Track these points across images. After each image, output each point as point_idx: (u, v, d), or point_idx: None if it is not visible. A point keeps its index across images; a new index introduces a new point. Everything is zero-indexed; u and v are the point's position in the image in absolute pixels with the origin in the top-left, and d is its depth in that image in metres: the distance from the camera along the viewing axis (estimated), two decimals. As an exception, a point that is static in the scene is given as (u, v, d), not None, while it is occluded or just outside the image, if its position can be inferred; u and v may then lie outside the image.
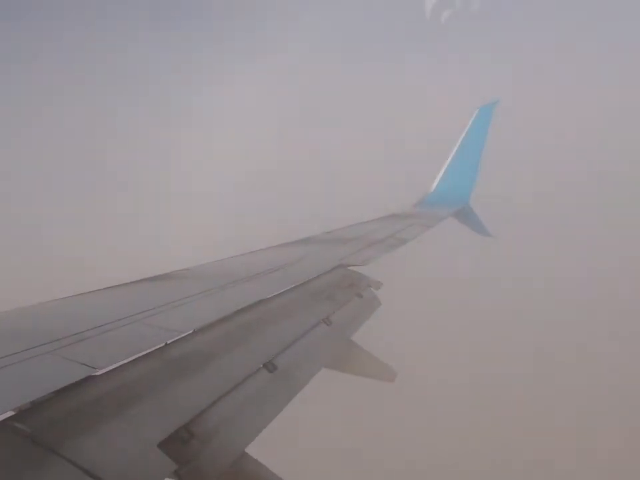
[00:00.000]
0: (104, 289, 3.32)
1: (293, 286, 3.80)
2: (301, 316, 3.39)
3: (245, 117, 32.04)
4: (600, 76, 28.14)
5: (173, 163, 31.87)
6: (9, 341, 2.17)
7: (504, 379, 18.62)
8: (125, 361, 2.16)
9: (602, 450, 16.01)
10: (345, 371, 3.45)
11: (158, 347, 2.37)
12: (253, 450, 2.14)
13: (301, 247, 5.43)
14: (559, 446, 16.46)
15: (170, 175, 31.58)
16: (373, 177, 26.88)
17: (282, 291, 3.65)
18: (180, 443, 1.85)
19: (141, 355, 2.25)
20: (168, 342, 2.44)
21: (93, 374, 1.95)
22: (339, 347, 3.32)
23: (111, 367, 2.07)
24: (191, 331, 2.63)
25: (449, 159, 10.73)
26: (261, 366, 2.57)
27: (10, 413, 1.67)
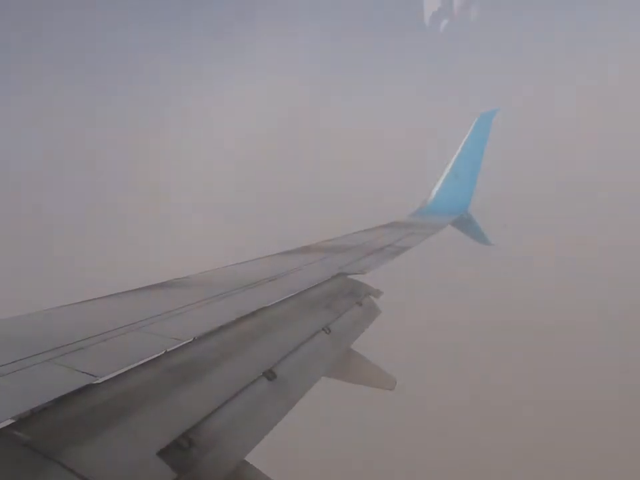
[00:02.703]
0: (104, 297, 3.32)
1: (292, 294, 3.80)
2: (300, 324, 3.39)
3: (242, 122, 32.12)
4: (599, 82, 28.29)
5: (173, 169, 31.93)
6: (10, 349, 2.17)
7: (504, 386, 18.57)
8: (125, 369, 2.16)
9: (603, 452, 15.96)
10: (345, 380, 3.44)
11: (158, 355, 2.38)
12: (252, 458, 2.13)
13: (300, 256, 5.44)
14: (561, 451, 16.40)
15: (170, 182, 31.64)
16: (372, 184, 26.94)
17: (282, 299, 3.65)
18: (180, 451, 1.85)
19: (141, 363, 2.25)
20: (168, 350, 2.44)
21: (93, 382, 1.95)
22: (339, 355, 3.32)
23: (111, 375, 2.07)
24: (191, 339, 2.63)
25: (449, 166, 10.74)
26: (261, 374, 2.57)
27: (10, 421, 1.67)
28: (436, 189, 10.63)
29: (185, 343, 2.56)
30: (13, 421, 1.69)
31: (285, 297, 3.70)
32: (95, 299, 3.23)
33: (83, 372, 1.96)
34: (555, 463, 16.04)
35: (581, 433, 16.75)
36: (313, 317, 3.57)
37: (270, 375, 2.59)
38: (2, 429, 1.65)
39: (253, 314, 3.21)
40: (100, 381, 2.00)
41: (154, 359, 2.34)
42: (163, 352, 2.41)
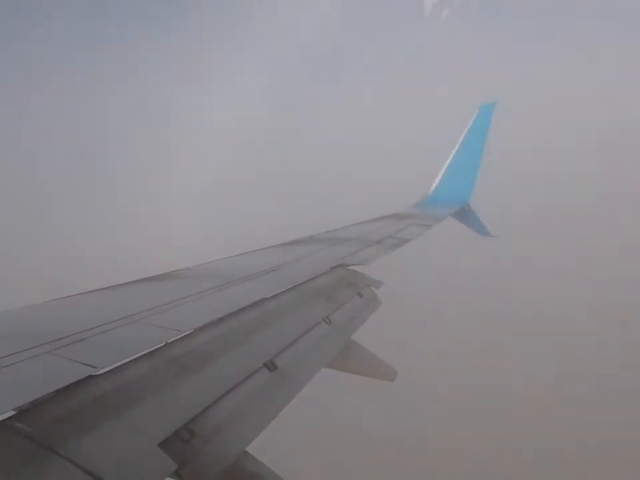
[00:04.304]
0: (104, 288, 3.32)
1: (293, 285, 3.79)
2: (301, 315, 3.39)
3: (242, 115, 32.03)
4: (599, 74, 28.17)
5: (172, 163, 31.88)
6: (10, 341, 2.17)
7: (503, 377, 18.64)
8: (126, 361, 2.16)
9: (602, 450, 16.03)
10: (346, 370, 3.45)
11: (158, 346, 2.37)
12: (253, 449, 2.13)
13: (301, 247, 5.42)
14: (559, 442, 16.49)
15: (169, 175, 31.60)
16: (373, 176, 26.89)
17: (282, 290, 3.65)
18: (181, 443, 1.85)
19: (141, 354, 2.25)
20: (168, 341, 2.43)
21: (94, 373, 1.95)
22: (340, 346, 3.32)
23: (111, 367, 2.07)
24: (191, 330, 2.63)
25: (449, 158, 10.68)
26: (262, 365, 2.56)
27: (11, 413, 1.66)
28: (437, 180, 10.58)
29: (185, 334, 2.55)
30: (13, 413, 1.69)
31: (285, 288, 3.70)
32: (94, 290, 3.23)
33: (84, 363, 1.95)
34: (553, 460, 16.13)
35: (579, 425, 16.84)
36: (313, 308, 3.56)
37: (270, 365, 2.58)
38: (3, 420, 1.64)
39: (253, 305, 3.20)
40: (100, 372, 2.00)
41: (154, 350, 2.34)
42: (163, 343, 2.41)
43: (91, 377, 1.94)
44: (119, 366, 2.12)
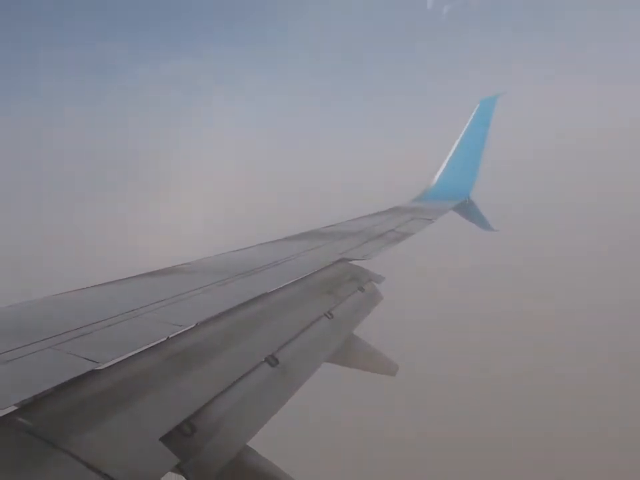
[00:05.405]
0: (106, 283, 3.32)
1: (294, 280, 3.79)
2: (302, 310, 3.39)
3: (250, 116, 32.13)
4: (601, 71, 28.08)
5: (175, 160, 31.94)
6: (12, 336, 2.17)
7: (505, 372, 18.66)
8: (128, 355, 2.16)
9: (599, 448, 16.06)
10: (347, 365, 3.45)
11: (160, 341, 2.38)
12: (254, 443, 2.14)
13: (302, 241, 5.42)
14: (559, 441, 16.52)
15: (171, 170, 31.64)
16: (374, 170, 26.85)
17: (284, 285, 3.65)
18: (182, 437, 1.85)
19: (143, 349, 2.25)
20: (170, 336, 2.44)
21: (96, 368, 1.95)
22: (341, 340, 3.32)
23: (113, 362, 2.07)
24: (193, 325, 2.63)
25: (451, 152, 10.63)
26: (263, 360, 2.57)
27: (13, 408, 1.67)
28: (438, 174, 10.54)
29: (187, 329, 2.56)
30: (15, 408, 1.69)
31: (287, 283, 3.69)
32: (96, 285, 3.23)
33: (85, 358, 1.96)
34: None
35: (579, 421, 16.87)
36: (315, 303, 3.56)
37: (272, 360, 2.59)
38: (5, 415, 1.65)
39: (255, 300, 3.20)
40: (102, 367, 2.00)
41: (156, 345, 2.34)
42: (165, 338, 2.41)
43: (92, 371, 1.94)
44: (120, 361, 2.12)
